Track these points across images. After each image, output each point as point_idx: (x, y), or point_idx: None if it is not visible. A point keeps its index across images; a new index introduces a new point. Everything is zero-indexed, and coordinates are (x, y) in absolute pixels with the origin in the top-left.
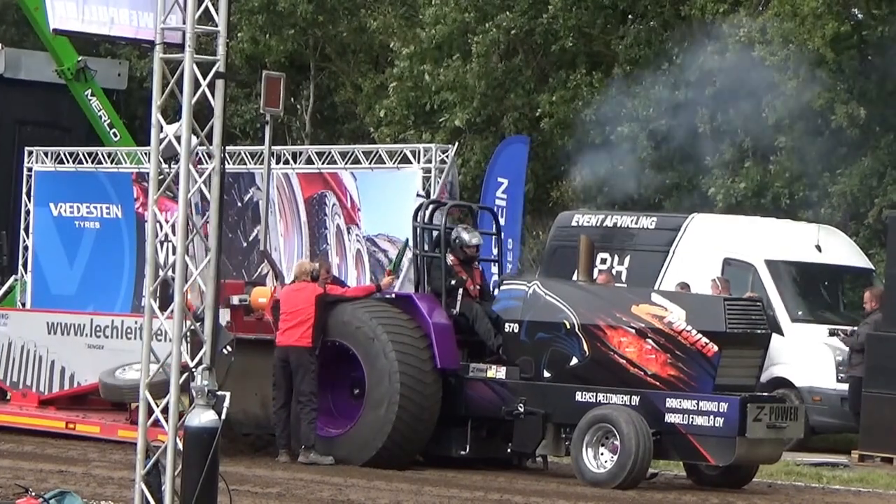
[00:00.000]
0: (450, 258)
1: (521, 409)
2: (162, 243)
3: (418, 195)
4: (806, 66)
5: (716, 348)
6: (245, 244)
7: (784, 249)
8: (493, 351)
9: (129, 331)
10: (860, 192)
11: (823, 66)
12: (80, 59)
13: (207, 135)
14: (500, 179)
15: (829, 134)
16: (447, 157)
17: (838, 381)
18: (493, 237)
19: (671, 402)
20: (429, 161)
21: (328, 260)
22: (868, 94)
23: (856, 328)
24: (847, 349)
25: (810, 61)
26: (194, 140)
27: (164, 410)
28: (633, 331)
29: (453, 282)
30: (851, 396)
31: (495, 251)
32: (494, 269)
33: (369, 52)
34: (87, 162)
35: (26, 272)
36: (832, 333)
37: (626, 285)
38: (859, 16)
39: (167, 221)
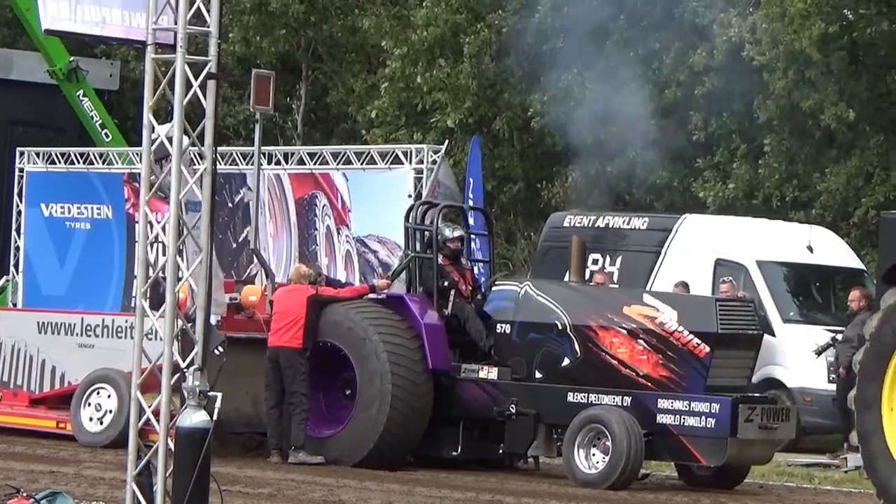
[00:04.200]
0: (440, 259)
1: (513, 410)
2: (152, 244)
3: (409, 196)
4: (795, 66)
5: (707, 349)
6: (235, 245)
7: (775, 250)
8: (485, 351)
9: (119, 330)
10: (848, 192)
11: (812, 66)
12: (71, 59)
13: (199, 135)
14: (470, 179)
15: (820, 135)
16: (439, 157)
17: (830, 381)
18: (485, 238)
19: (663, 403)
20: (420, 162)
21: (317, 263)
22: (859, 96)
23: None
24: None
25: (799, 62)
26: (186, 140)
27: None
28: (625, 331)
29: (445, 282)
30: (839, 396)
31: (469, 249)
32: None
33: (361, 52)
34: (78, 162)
35: (18, 272)
36: (819, 353)
37: (617, 286)
38: (849, 16)
39: (158, 222)
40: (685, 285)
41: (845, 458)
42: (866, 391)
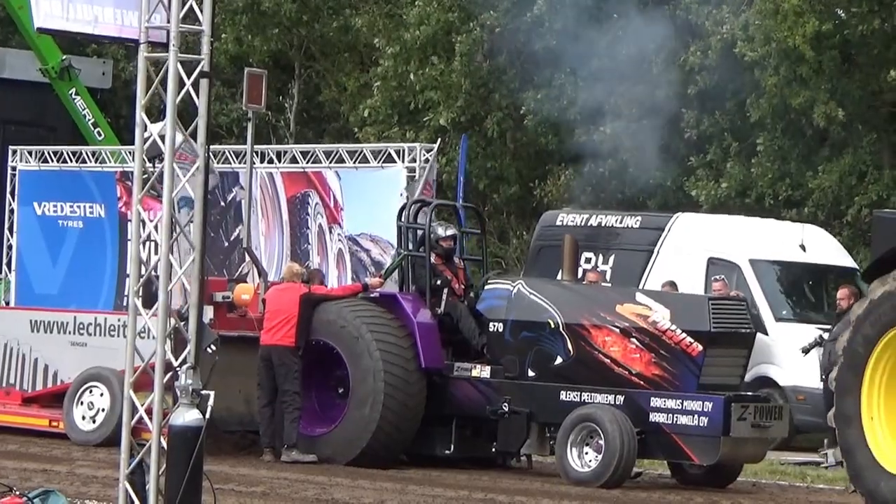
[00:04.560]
0: (433, 257)
1: (506, 409)
2: (145, 242)
3: (402, 195)
4: (787, 64)
5: (700, 348)
6: (227, 243)
7: (768, 249)
8: (478, 350)
9: (112, 328)
10: (840, 190)
11: (804, 64)
12: (64, 57)
13: (192, 134)
14: (461, 178)
15: (813, 133)
16: (431, 156)
17: (822, 380)
18: (478, 236)
19: (656, 402)
20: (413, 160)
21: (309, 262)
22: (851, 94)
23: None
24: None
25: (791, 59)
26: (179, 139)
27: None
28: (618, 330)
29: (438, 281)
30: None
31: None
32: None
33: (354, 51)
34: (71, 161)
35: (10, 271)
36: (806, 351)
37: (610, 285)
38: (842, 15)
39: (150, 220)
40: (673, 284)
41: (826, 453)
42: (844, 406)
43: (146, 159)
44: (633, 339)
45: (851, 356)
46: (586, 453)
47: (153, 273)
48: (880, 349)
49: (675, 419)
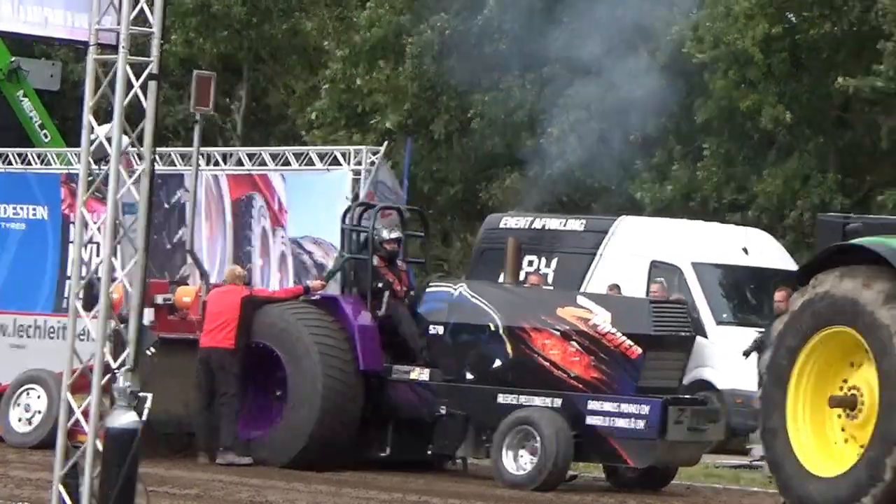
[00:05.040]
0: (376, 260)
1: (443, 411)
2: (87, 244)
3: (347, 198)
4: (735, 67)
5: (639, 350)
6: (169, 246)
7: (711, 252)
8: (418, 353)
9: (51, 330)
10: (784, 194)
11: (753, 67)
12: (12, 59)
13: (139, 136)
14: (405, 181)
15: (759, 137)
16: (377, 159)
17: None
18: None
19: (593, 405)
20: (359, 163)
21: (250, 264)
22: (800, 98)
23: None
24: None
25: (740, 62)
26: (125, 141)
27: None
28: (558, 333)
29: (380, 284)
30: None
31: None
32: None
33: (303, 54)
34: (16, 163)
35: None
36: (747, 354)
37: (552, 287)
38: (793, 19)
39: (94, 222)
40: (617, 288)
41: (751, 447)
42: (771, 421)
43: (92, 161)
44: (573, 342)
45: (775, 370)
46: (521, 456)
47: (94, 275)
48: (803, 359)
49: (612, 422)
